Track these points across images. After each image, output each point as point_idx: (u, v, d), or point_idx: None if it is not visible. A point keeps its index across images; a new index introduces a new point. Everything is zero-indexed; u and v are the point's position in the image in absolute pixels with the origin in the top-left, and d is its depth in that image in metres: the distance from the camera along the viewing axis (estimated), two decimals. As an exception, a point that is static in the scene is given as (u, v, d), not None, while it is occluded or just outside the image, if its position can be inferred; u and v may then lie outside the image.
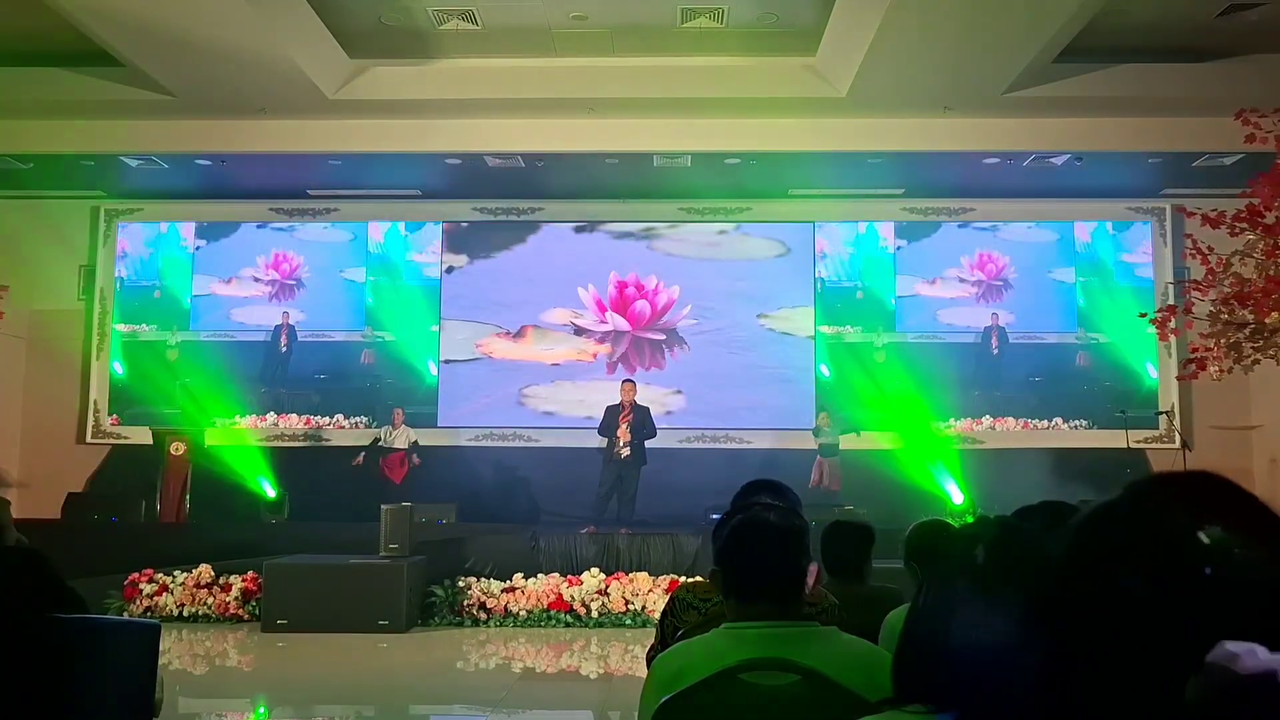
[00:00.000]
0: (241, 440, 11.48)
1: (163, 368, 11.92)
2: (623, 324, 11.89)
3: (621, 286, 11.92)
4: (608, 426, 9.69)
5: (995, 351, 11.72)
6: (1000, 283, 11.88)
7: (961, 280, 11.89)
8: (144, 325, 12.04)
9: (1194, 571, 0.64)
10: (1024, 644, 0.71)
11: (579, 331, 11.90)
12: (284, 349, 11.93)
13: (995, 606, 0.98)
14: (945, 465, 10.99)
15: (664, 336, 11.89)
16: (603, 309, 11.92)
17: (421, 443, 10.94)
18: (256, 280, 12.07)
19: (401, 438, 10.85)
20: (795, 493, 2.80)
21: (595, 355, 11.86)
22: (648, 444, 9.68)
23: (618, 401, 9.81)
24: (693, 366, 11.83)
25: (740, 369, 11.79)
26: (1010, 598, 0.98)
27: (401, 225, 12.13)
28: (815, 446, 10.66)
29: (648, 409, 9.89)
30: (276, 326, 11.96)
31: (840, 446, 10.60)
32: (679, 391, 11.77)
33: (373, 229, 12.12)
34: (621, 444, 9.49)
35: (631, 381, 10.07)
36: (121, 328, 12.02)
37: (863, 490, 10.21)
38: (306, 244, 12.15)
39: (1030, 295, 11.86)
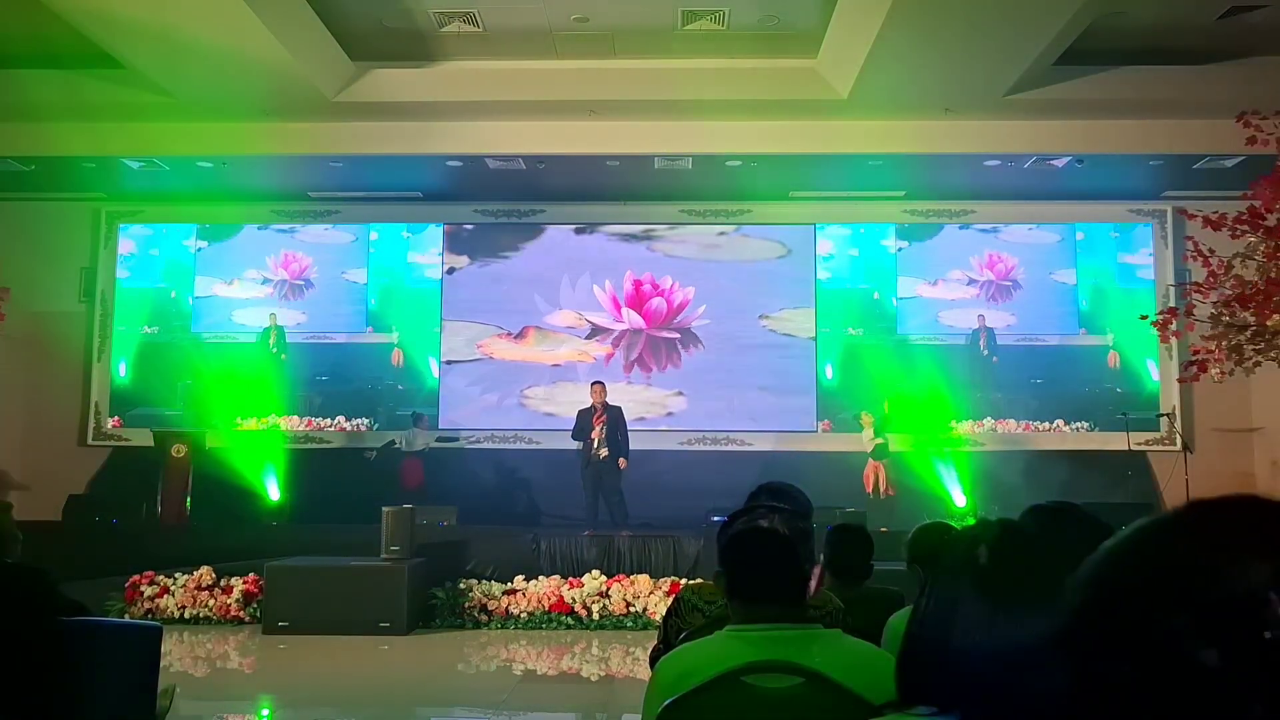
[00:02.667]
0: (243, 442, 11.47)
1: (164, 370, 11.92)
2: (638, 321, 11.89)
3: (638, 285, 11.93)
4: (581, 430, 9.73)
5: (984, 352, 11.73)
6: (1010, 283, 11.88)
7: (968, 281, 11.89)
8: (145, 327, 12.05)
9: (1255, 633, 0.54)
10: (1046, 663, 0.64)
11: (594, 332, 11.89)
12: (273, 350, 11.92)
13: (998, 607, 0.98)
14: (948, 467, 10.98)
15: (679, 335, 11.88)
16: (618, 306, 11.92)
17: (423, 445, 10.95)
18: (266, 281, 12.07)
19: (421, 440, 10.84)
20: (805, 495, 2.80)
21: (595, 357, 11.85)
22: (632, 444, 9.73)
23: (589, 404, 9.83)
24: (694, 368, 11.83)
25: (741, 371, 11.79)
26: (1013, 598, 0.98)
27: (402, 228, 12.14)
28: (817, 449, 10.62)
29: (620, 409, 9.93)
30: (265, 329, 11.96)
31: (891, 448, 10.55)
32: (680, 393, 11.77)
33: (374, 231, 12.13)
34: (596, 445, 9.52)
35: (601, 383, 10.07)
36: (122, 330, 12.02)
37: (865, 492, 10.22)
38: (308, 246, 12.15)
39: (1031, 297, 11.86)
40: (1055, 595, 0.94)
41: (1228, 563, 0.57)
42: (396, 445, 10.85)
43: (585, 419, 9.76)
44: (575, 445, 9.93)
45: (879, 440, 10.46)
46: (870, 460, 10.41)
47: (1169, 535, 0.61)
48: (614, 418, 9.73)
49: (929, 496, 10.48)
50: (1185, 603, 0.56)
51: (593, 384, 10.06)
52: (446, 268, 12.06)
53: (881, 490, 10.23)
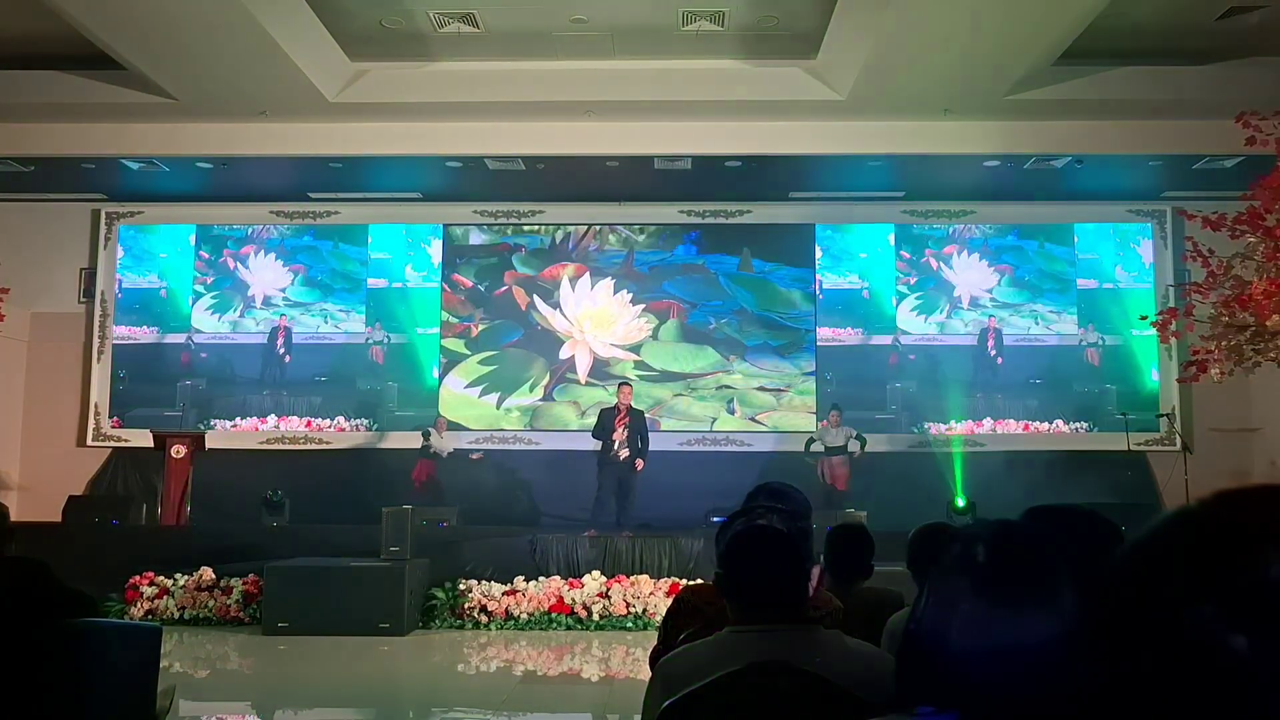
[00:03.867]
0: (242, 443, 11.47)
1: (163, 370, 11.92)
2: (636, 321, 11.90)
3: (637, 286, 11.94)
4: (603, 429, 9.63)
5: (992, 354, 11.73)
6: (1008, 283, 11.88)
7: (966, 282, 11.89)
8: (145, 328, 12.05)
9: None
10: (1061, 654, 0.63)
11: (594, 333, 11.90)
12: (280, 352, 11.93)
13: (996, 606, 0.98)
14: (948, 468, 10.98)
15: (680, 336, 11.89)
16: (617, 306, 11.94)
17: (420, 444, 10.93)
18: (264, 281, 12.08)
19: (449, 442, 10.89)
20: (804, 495, 2.80)
21: (595, 357, 11.85)
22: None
23: (613, 404, 9.79)
24: (694, 368, 11.83)
25: (740, 371, 11.79)
26: (1011, 597, 0.98)
27: (402, 228, 12.14)
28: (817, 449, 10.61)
29: (643, 412, 9.88)
30: (273, 329, 11.97)
31: (848, 449, 10.54)
32: (679, 394, 11.77)
33: (373, 231, 12.13)
34: (618, 445, 9.45)
35: (628, 384, 10.04)
36: (122, 330, 12.02)
37: (865, 493, 10.20)
38: (307, 246, 12.15)
39: (1030, 297, 11.86)
40: (1053, 593, 0.94)
41: (1254, 548, 0.57)
42: (431, 449, 10.82)
43: (608, 418, 9.62)
44: (573, 446, 9.89)
45: (836, 440, 10.44)
46: (824, 455, 10.43)
47: (1195, 525, 0.61)
48: (637, 420, 9.66)
49: (928, 497, 10.47)
50: (1212, 590, 0.56)
51: (620, 384, 10.02)
52: (446, 268, 12.06)
53: (825, 481, 10.17)
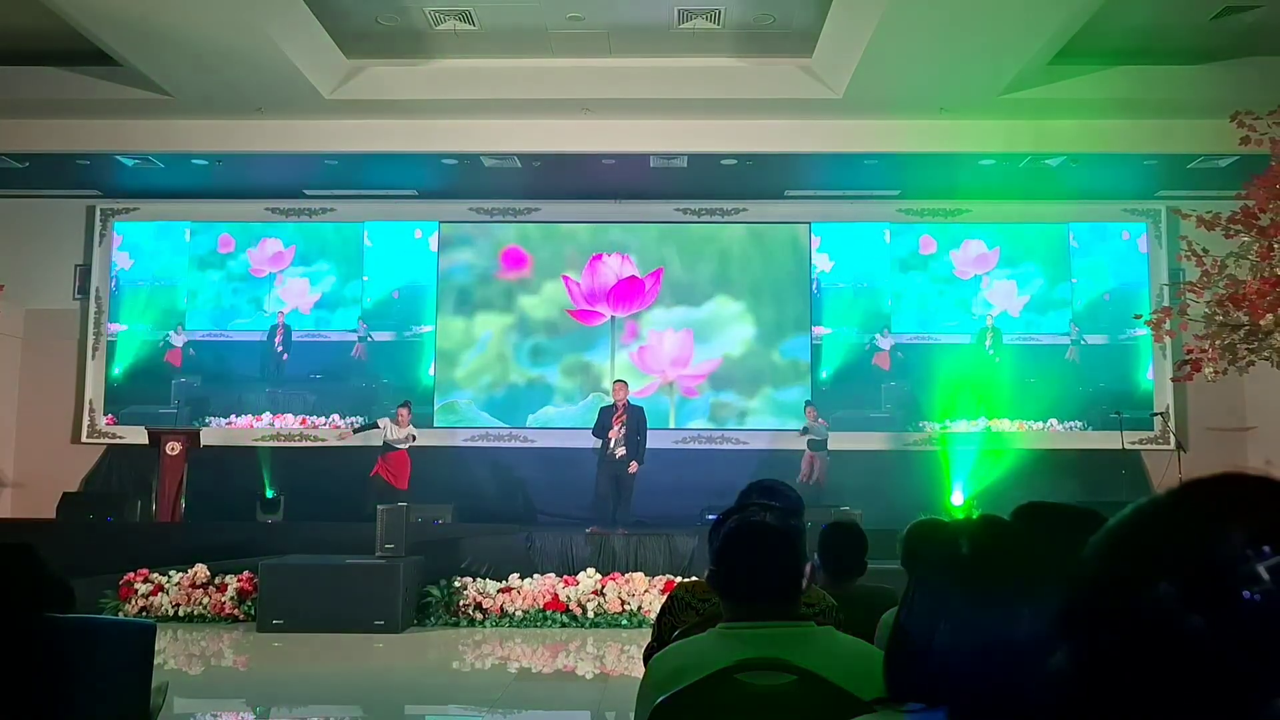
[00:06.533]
0: (237, 440, 11.46)
1: (158, 367, 11.90)
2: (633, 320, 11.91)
3: (633, 282, 11.92)
4: (602, 427, 9.61)
5: (990, 352, 11.74)
6: (1003, 282, 11.89)
7: (962, 280, 11.91)
8: (140, 325, 12.02)
9: (1235, 595, 0.55)
10: (1045, 648, 0.65)
11: (590, 325, 11.89)
12: (279, 349, 11.92)
13: (981, 600, 0.98)
14: (943, 466, 11.00)
15: (684, 335, 11.89)
16: (614, 302, 11.92)
17: (419, 442, 10.72)
18: (260, 278, 12.06)
19: (404, 436, 10.67)
20: (796, 493, 2.81)
21: (591, 354, 11.86)
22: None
23: (611, 402, 9.77)
24: (691, 367, 11.84)
25: (737, 370, 11.80)
26: (996, 590, 0.98)
27: (398, 225, 12.12)
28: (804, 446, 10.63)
29: (642, 409, 9.85)
30: (272, 326, 11.95)
31: (829, 445, 10.57)
32: (676, 391, 11.78)
33: (369, 229, 12.11)
34: (613, 444, 9.43)
35: (623, 381, 10.02)
36: (117, 327, 11.99)
37: (861, 490, 10.22)
38: (303, 244, 12.13)
39: (1025, 297, 11.88)
40: (1037, 586, 0.94)
41: (1208, 529, 0.59)
42: (385, 440, 10.47)
43: (606, 417, 9.60)
44: (568, 444, 9.87)
45: (818, 435, 10.54)
46: (808, 451, 10.48)
47: (1158, 511, 0.64)
48: (635, 418, 9.61)
49: (922, 495, 10.49)
50: (1170, 571, 0.58)
51: (615, 382, 10.00)
52: (442, 266, 12.05)
53: (814, 479, 10.21)
